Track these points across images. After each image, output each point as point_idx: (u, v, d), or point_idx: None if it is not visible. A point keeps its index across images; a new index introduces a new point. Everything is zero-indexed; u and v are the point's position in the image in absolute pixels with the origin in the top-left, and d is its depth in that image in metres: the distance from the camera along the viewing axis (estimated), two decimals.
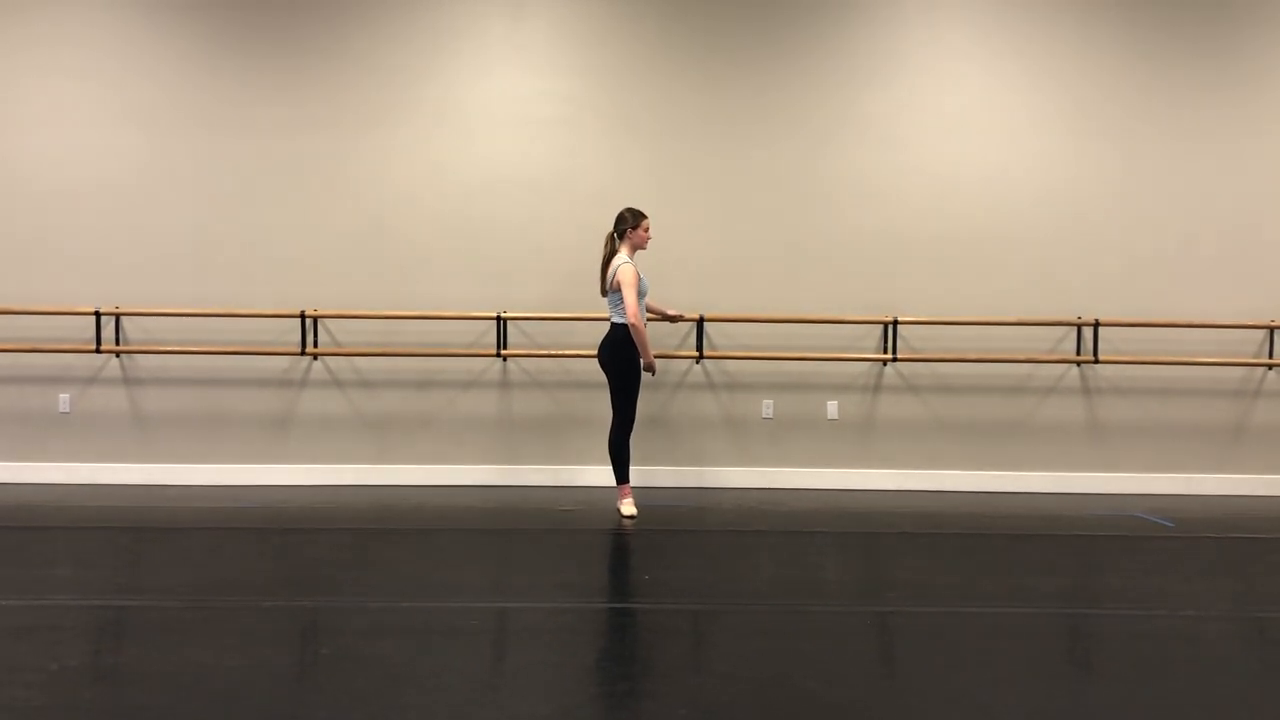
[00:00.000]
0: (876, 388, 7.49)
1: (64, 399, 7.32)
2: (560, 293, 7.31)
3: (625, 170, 7.37)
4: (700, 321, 7.25)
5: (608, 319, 6.35)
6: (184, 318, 7.24)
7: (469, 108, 7.36)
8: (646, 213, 6.44)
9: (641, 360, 6.20)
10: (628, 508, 6.29)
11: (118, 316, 7.25)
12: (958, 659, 3.81)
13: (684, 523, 6.27)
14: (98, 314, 7.17)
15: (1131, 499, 7.22)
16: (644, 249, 6.41)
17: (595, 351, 6.45)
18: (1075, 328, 7.43)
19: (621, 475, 6.35)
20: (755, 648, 3.87)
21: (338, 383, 7.39)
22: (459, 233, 7.35)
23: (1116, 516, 6.62)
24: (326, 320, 7.33)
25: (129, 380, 7.35)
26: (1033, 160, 7.46)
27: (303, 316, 7.21)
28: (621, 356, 6.22)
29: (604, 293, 6.35)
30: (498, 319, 7.26)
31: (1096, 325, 7.35)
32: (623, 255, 6.24)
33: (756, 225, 7.41)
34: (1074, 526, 6.29)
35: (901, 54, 7.45)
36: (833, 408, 7.47)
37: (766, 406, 7.45)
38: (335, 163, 7.33)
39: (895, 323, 7.34)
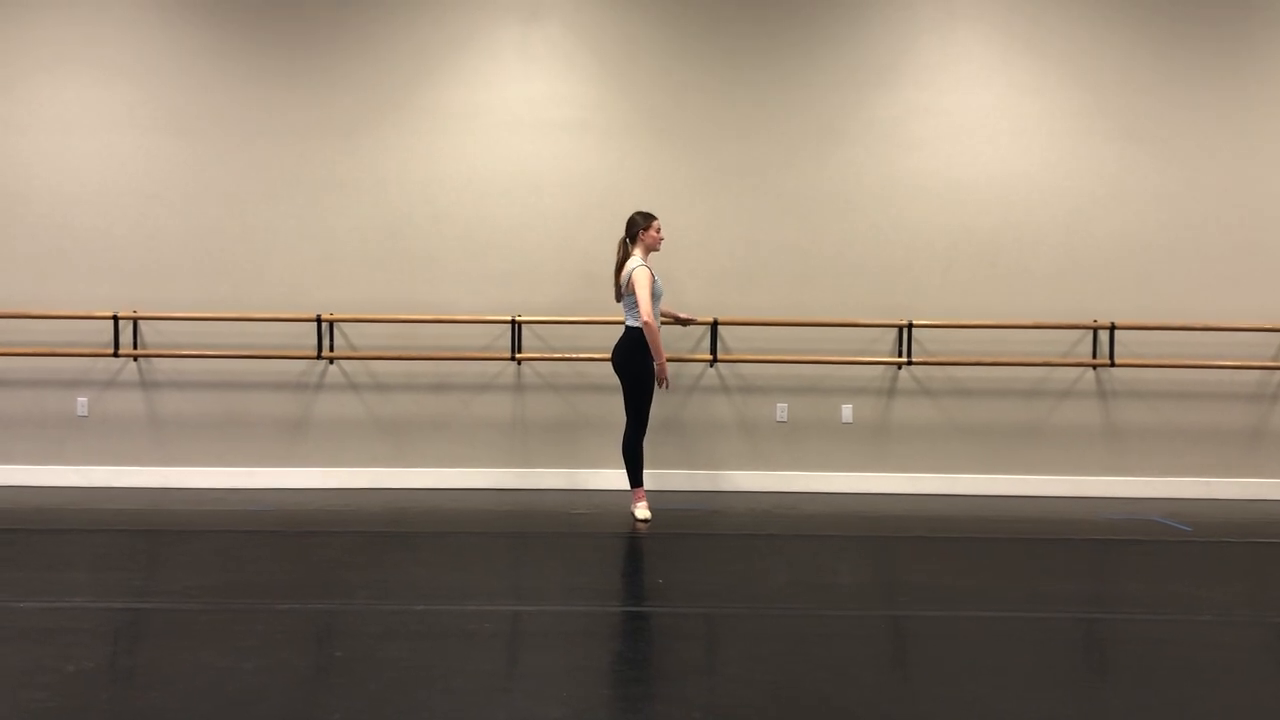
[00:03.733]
0: (891, 391, 7.47)
1: (82, 402, 7.37)
2: (574, 296, 7.32)
3: (638, 173, 7.37)
4: (714, 325, 7.25)
5: (621, 322, 6.36)
6: (201, 322, 7.28)
7: (484, 111, 7.37)
8: (656, 214, 6.45)
9: (655, 364, 6.20)
10: (641, 511, 6.29)
11: (135, 320, 7.30)
12: (972, 664, 3.79)
13: (698, 526, 6.26)
14: (115, 318, 7.21)
15: (1148, 503, 7.18)
16: (657, 250, 6.43)
17: (609, 355, 6.47)
18: (1091, 331, 7.39)
19: (635, 479, 6.36)
20: (769, 651, 3.87)
21: (353, 386, 7.42)
22: (474, 236, 7.37)
23: (1133, 521, 6.58)
24: (342, 324, 7.36)
25: (146, 384, 7.39)
26: (1047, 162, 7.42)
27: (319, 320, 7.23)
28: (635, 361, 6.23)
29: (618, 297, 6.36)
30: (512, 322, 7.27)
31: (1113, 328, 7.31)
32: (636, 258, 6.25)
33: (770, 228, 7.40)
34: (1090, 531, 6.26)
35: (914, 56, 7.43)
36: (847, 411, 7.45)
37: (780, 410, 7.44)
38: (351, 166, 7.36)
39: (910, 326, 7.31)
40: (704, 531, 6.13)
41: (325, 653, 3.90)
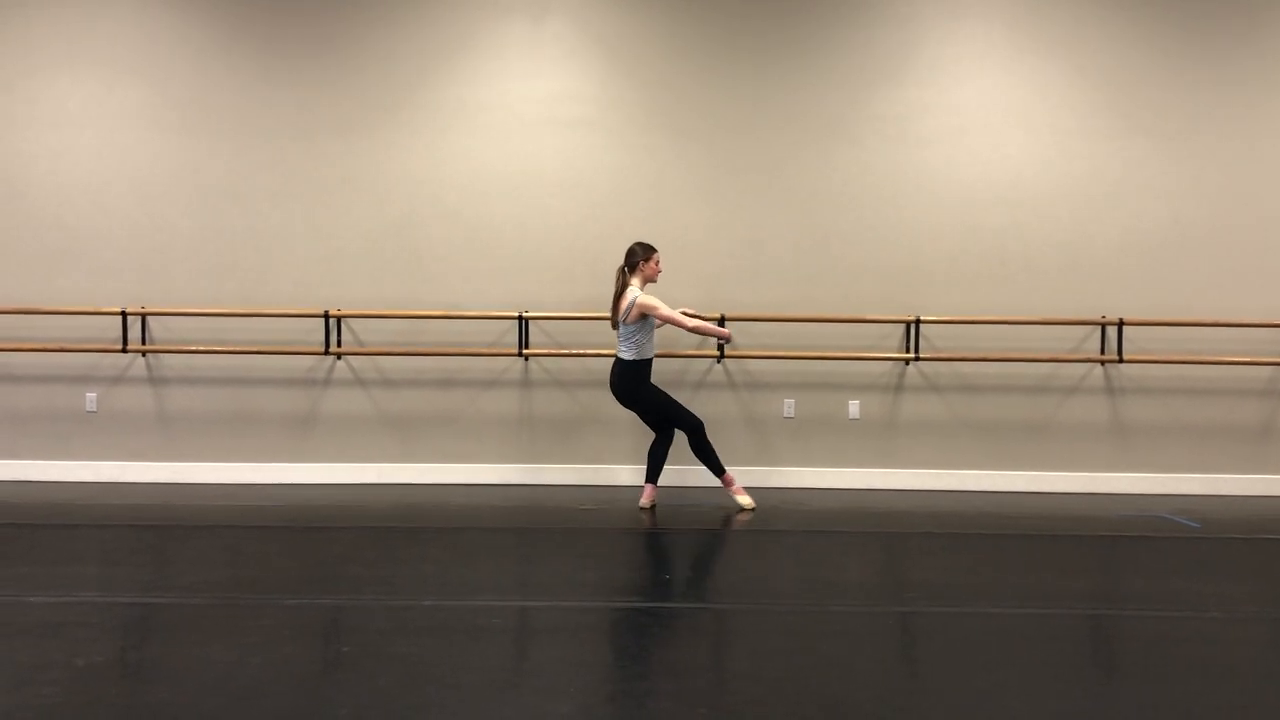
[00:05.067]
0: (898, 387, 7.46)
1: (90, 398, 7.39)
2: (581, 292, 7.31)
3: (645, 170, 7.37)
4: (721, 321, 7.24)
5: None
6: (209, 317, 7.30)
7: (491, 108, 7.37)
8: (656, 247, 6.55)
9: (721, 337, 6.70)
10: (742, 498, 6.48)
11: (143, 316, 7.31)
12: (980, 660, 3.79)
13: (705, 522, 6.26)
14: (124, 314, 7.23)
15: (1157, 500, 7.15)
16: (655, 281, 6.49)
17: (615, 350, 6.49)
18: (1099, 327, 7.37)
19: (716, 467, 6.51)
20: (776, 648, 3.87)
21: (361, 382, 7.43)
22: (481, 233, 7.38)
23: (1141, 517, 6.57)
24: (350, 320, 7.37)
25: (154, 379, 7.41)
26: (1055, 157, 7.40)
27: (326, 316, 7.25)
28: (631, 388, 6.35)
29: (615, 325, 6.39)
30: (519, 318, 7.28)
31: (1121, 324, 7.29)
32: (635, 288, 6.29)
33: (777, 224, 7.40)
34: (1098, 527, 6.25)
35: (920, 52, 7.41)
36: (854, 407, 7.44)
37: (788, 406, 7.43)
38: (358, 163, 7.37)
39: (917, 322, 7.30)
40: (710, 527, 6.13)
41: (333, 648, 3.91)
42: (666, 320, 6.30)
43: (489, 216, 7.37)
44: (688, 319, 6.36)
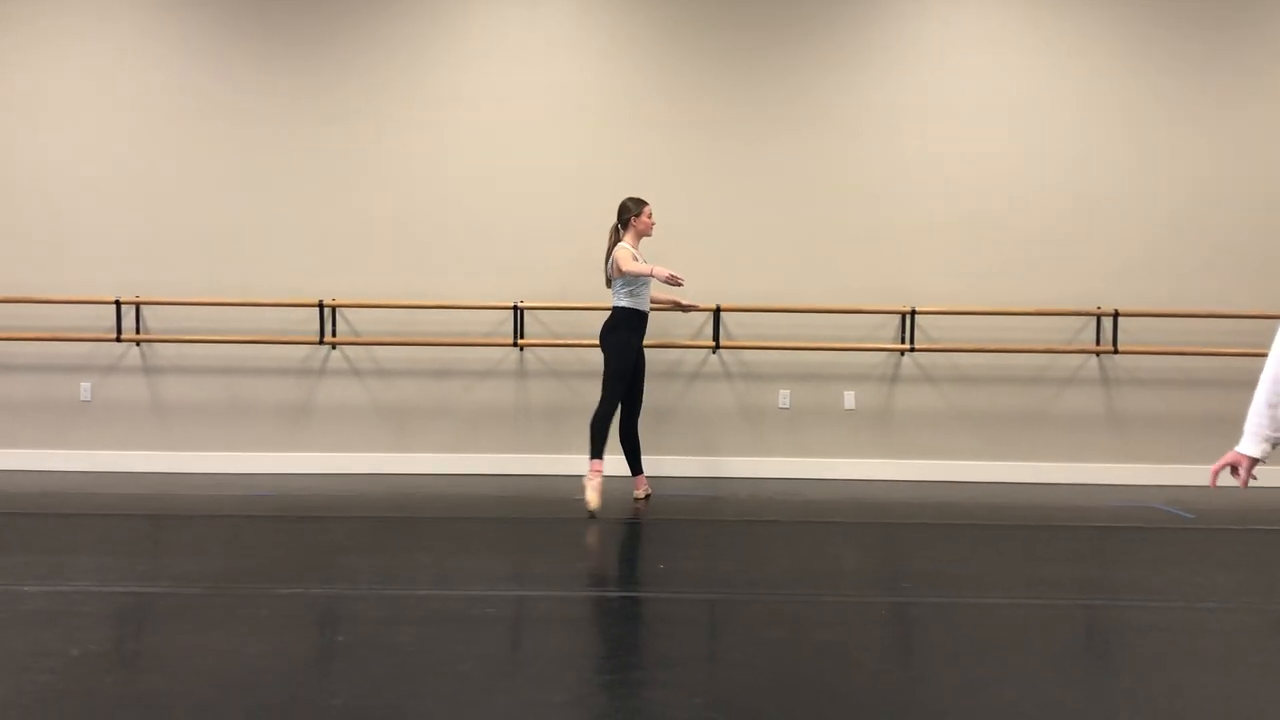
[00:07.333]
0: (894, 378, 7.47)
1: (85, 387, 7.38)
2: (577, 283, 7.29)
3: (643, 160, 7.35)
4: (717, 311, 7.24)
5: None
6: (203, 307, 7.29)
7: (487, 98, 7.36)
8: (647, 200, 6.40)
9: (663, 273, 6.00)
10: (590, 492, 5.93)
11: (138, 306, 7.30)
12: (974, 650, 3.79)
13: (700, 513, 6.27)
14: (118, 303, 7.22)
15: (1150, 490, 7.17)
16: (649, 235, 6.39)
17: None
18: (1095, 318, 7.38)
19: (596, 450, 6.09)
20: (771, 638, 3.87)
21: (356, 372, 7.42)
22: (477, 223, 7.37)
23: (1135, 508, 6.58)
24: (345, 309, 7.36)
25: (149, 369, 7.40)
26: (1051, 149, 7.40)
27: (321, 306, 7.24)
28: (616, 338, 6.22)
29: (608, 283, 6.35)
30: (515, 309, 7.27)
31: (1116, 315, 7.30)
32: (623, 244, 6.24)
33: (774, 215, 7.39)
34: (1092, 518, 6.26)
35: (919, 42, 7.40)
36: (850, 398, 7.45)
37: (783, 396, 7.44)
38: (354, 153, 7.35)
39: (913, 313, 7.31)
40: (706, 518, 6.14)
41: (328, 637, 3.91)
42: (625, 265, 6.06)
43: (485, 207, 7.37)
44: (637, 268, 6.05)
